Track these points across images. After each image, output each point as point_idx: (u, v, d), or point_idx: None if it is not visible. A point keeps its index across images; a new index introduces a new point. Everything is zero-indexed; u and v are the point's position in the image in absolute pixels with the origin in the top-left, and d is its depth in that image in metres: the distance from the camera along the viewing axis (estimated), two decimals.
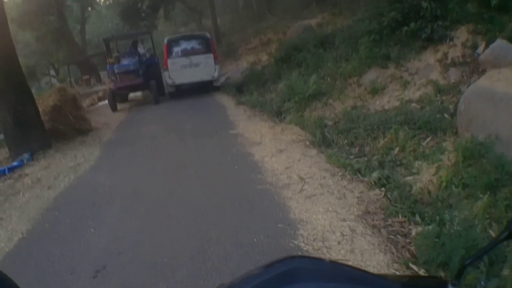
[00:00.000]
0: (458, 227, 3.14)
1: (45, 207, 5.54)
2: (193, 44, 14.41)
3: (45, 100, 10.32)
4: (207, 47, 14.18)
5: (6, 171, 7.78)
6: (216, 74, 14.19)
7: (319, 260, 0.89)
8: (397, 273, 3.00)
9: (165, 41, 14.38)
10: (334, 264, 0.88)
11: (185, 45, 14.42)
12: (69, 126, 10.08)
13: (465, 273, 0.88)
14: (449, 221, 3.36)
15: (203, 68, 13.93)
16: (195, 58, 13.95)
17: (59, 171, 7.19)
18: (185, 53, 14.16)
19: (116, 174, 6.61)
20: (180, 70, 13.93)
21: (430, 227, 3.34)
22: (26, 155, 8.44)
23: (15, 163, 8.19)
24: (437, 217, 3.49)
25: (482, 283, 1.13)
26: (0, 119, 8.95)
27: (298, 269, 0.81)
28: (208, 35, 14.99)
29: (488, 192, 3.52)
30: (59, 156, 8.39)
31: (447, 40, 7.28)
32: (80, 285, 3.47)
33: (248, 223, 4.11)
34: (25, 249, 4.38)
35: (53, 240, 4.47)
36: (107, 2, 37.99)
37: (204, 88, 14.65)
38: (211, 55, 14.01)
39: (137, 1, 26.91)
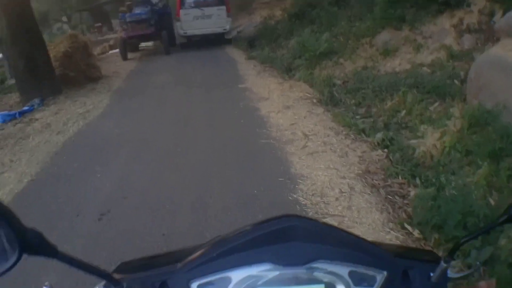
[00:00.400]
0: (454, 191, 3.20)
1: (54, 151, 5.66)
2: None
3: (56, 46, 10.30)
4: None
5: (17, 115, 7.92)
6: (228, 27, 14.27)
7: (316, 221, 0.85)
8: (392, 236, 3.08)
9: None
10: (330, 227, 0.87)
11: None
12: (79, 73, 10.13)
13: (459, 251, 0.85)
14: (448, 185, 3.40)
15: (215, 20, 13.96)
16: (208, 10, 13.92)
17: (69, 117, 7.31)
18: (198, 4, 14.09)
19: (124, 122, 6.70)
20: (192, 21, 13.93)
21: (428, 189, 3.39)
22: (36, 100, 8.54)
23: (25, 108, 8.31)
24: (436, 181, 3.53)
25: (478, 263, 1.13)
26: (11, 64, 9.12)
27: (295, 228, 0.80)
28: None
29: (489, 160, 3.51)
30: (69, 103, 8.49)
31: (464, 6, 7.08)
32: (85, 226, 3.60)
33: (249, 175, 4.21)
34: (33, 191, 4.53)
35: (60, 183, 4.60)
36: None
37: (215, 41, 14.64)
38: (223, 7, 13.99)
39: None
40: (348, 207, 3.45)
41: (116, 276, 0.80)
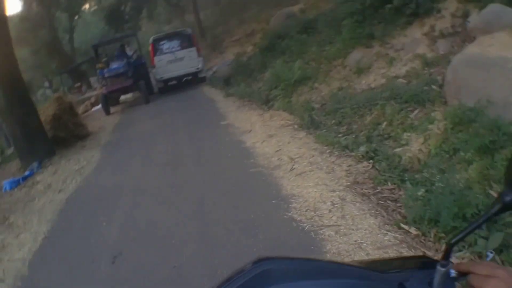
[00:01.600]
0: (441, 184, 3.35)
1: (59, 209, 6.00)
2: (176, 40, 15.32)
3: (45, 110, 10.81)
4: (189, 42, 15.18)
5: (21, 180, 8.45)
6: (200, 65, 15.27)
7: (290, 259, 0.82)
8: (390, 237, 3.20)
9: (150, 40, 15.41)
10: (306, 260, 0.86)
11: (169, 42, 15.33)
12: (69, 133, 10.62)
13: (453, 252, 0.83)
14: (436, 182, 3.53)
15: (187, 61, 15.00)
16: (179, 53, 15.00)
17: (66, 175, 7.65)
18: (170, 50, 15.11)
19: (118, 172, 6.97)
20: (166, 66, 14.94)
21: (416, 187, 3.55)
22: (35, 164, 9.02)
23: (27, 173, 8.80)
24: (425, 181, 3.67)
25: (489, 253, 0.98)
26: (10, 133, 9.79)
27: (270, 271, 0.78)
28: (189, 30, 16.00)
29: (480, 155, 3.62)
30: (64, 162, 8.87)
31: (434, 12, 7.15)
32: (101, 270, 3.84)
33: (244, 202, 4.42)
34: (49, 247, 4.84)
35: (71, 236, 4.94)
36: (92, 9, 37.94)
37: (191, 83, 15.43)
38: (193, 49, 15.06)
39: (120, 4, 27.06)
40: (342, 217, 3.61)
41: None
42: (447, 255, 0.83)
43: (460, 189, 3.22)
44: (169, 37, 15.70)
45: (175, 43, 15.23)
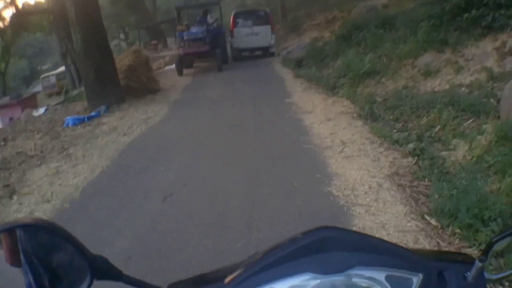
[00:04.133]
0: (464, 182, 3.64)
1: (121, 149, 6.53)
2: (255, 17, 17.66)
3: (121, 60, 11.44)
4: (265, 20, 17.31)
5: (86, 119, 8.95)
6: (272, 42, 17.35)
7: (349, 230, 0.86)
8: (412, 224, 3.51)
9: (233, 14, 17.73)
10: (364, 235, 0.88)
11: (248, 17, 17.67)
12: (141, 85, 11.19)
13: (493, 250, 0.84)
14: (468, 184, 3.71)
15: (262, 36, 17.07)
16: (256, 28, 17.06)
17: (133, 122, 8.24)
18: (248, 24, 17.23)
19: (182, 127, 7.52)
20: (243, 37, 17.10)
21: (443, 183, 3.86)
22: (103, 107, 9.59)
23: (93, 113, 9.36)
24: (459, 184, 3.83)
25: None
26: (83, 74, 10.26)
27: (331, 238, 0.83)
28: (267, 10, 18.14)
29: None
30: (132, 110, 9.47)
31: (508, 30, 7.17)
32: (151, 206, 4.34)
33: (292, 172, 4.83)
34: (105, 179, 5.34)
35: (129, 173, 5.39)
36: None
37: (264, 62, 16.25)
38: (268, 27, 17.11)
39: None
40: (375, 199, 3.96)
41: None
42: (486, 252, 0.85)
43: (485, 194, 3.46)
44: (250, 13, 18.24)
45: (253, 19, 17.41)
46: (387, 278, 0.82)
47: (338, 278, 0.81)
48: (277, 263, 0.82)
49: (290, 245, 0.83)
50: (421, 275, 0.84)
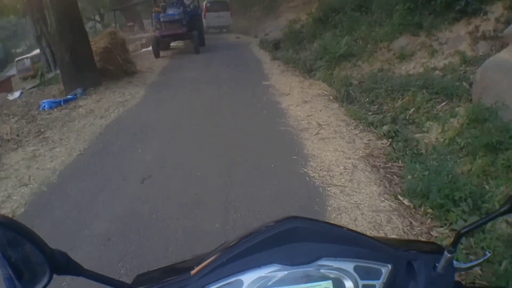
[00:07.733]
0: (435, 162, 3.77)
1: (98, 132, 6.48)
2: (219, 5, 25.14)
3: (97, 42, 11.25)
4: (226, 7, 25.41)
5: (62, 102, 8.83)
6: (230, 22, 26.30)
7: (318, 221, 0.86)
8: (385, 204, 3.62)
9: (204, 4, 24.87)
10: (332, 225, 0.89)
11: (215, 5, 25.10)
12: (117, 67, 11.08)
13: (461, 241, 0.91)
14: (439, 165, 3.86)
15: (223, 18, 25.55)
16: (220, 13, 25.24)
17: (109, 105, 8.18)
18: (215, 10, 25.19)
19: (159, 109, 7.50)
20: (212, 19, 25.24)
21: (416, 165, 3.98)
22: (79, 90, 9.48)
23: (69, 96, 9.21)
24: (430, 165, 3.96)
25: (487, 252, 1.00)
26: (58, 57, 10.01)
27: (299, 229, 0.84)
28: (227, 1, 25.67)
29: (486, 152, 3.95)
30: (108, 93, 9.39)
31: (481, 14, 7.32)
32: (130, 187, 4.36)
33: (268, 153, 4.91)
34: (82, 162, 5.31)
35: (107, 156, 5.38)
36: None
37: (240, 40, 18.12)
38: (228, 12, 25.52)
39: None
40: (350, 180, 4.07)
41: None
42: (455, 243, 0.87)
43: (456, 175, 3.60)
44: (216, 2, 25.18)
45: (218, 6, 25.14)
46: (356, 268, 0.84)
47: (306, 269, 0.82)
48: (245, 254, 0.83)
49: (258, 236, 0.84)
50: (390, 266, 0.85)
